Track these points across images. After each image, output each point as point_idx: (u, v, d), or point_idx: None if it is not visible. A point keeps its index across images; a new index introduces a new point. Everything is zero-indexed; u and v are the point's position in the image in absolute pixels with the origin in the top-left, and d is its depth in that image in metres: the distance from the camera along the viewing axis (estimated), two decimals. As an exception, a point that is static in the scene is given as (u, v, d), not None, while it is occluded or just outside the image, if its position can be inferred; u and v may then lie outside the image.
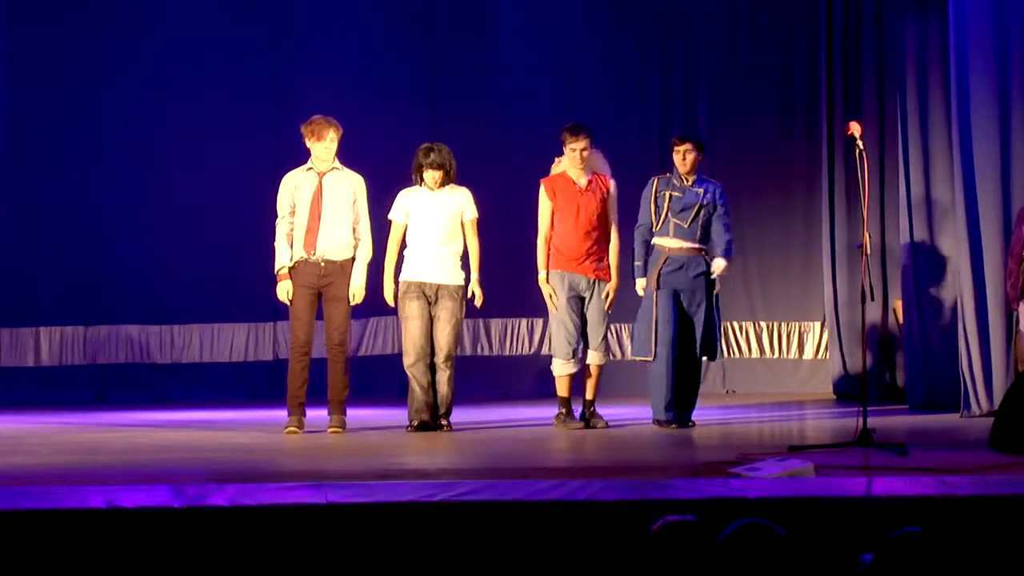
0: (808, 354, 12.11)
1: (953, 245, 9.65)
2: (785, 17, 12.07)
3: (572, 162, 8.91)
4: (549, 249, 8.93)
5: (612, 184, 8.99)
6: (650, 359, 8.77)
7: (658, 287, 8.75)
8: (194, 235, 11.82)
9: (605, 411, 9.11)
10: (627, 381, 11.19)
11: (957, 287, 9.44)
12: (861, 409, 7.38)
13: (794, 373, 12.14)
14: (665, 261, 8.79)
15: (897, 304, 10.91)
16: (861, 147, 7.76)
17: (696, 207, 8.80)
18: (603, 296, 8.89)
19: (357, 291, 8.69)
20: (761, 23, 12.12)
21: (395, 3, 12.18)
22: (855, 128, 7.83)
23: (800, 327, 12.11)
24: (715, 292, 8.86)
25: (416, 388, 8.66)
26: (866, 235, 7.76)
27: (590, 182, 8.93)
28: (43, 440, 8.41)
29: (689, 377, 8.88)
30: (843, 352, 11.49)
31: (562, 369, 8.91)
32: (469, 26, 12.16)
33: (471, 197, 8.86)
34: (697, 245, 8.81)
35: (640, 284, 8.90)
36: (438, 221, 8.76)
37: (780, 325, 12.14)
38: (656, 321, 8.73)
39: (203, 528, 4.98)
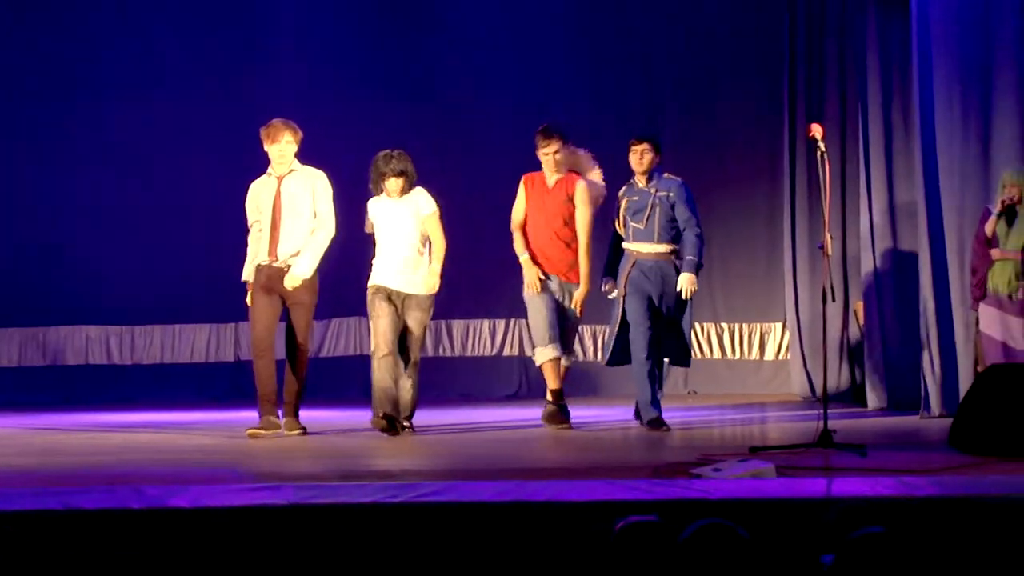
0: (769, 355, 12.14)
1: (914, 247, 9.69)
2: (751, 18, 12.08)
3: (545, 165, 8.89)
4: (525, 237, 8.87)
5: (580, 185, 8.89)
6: (608, 364, 8.84)
7: (626, 292, 8.75)
8: (154, 236, 11.79)
9: (578, 412, 9.16)
10: (602, 383, 11.23)
11: (918, 289, 9.48)
12: (822, 410, 7.41)
13: (756, 374, 12.17)
14: (633, 265, 8.77)
15: (858, 305, 10.95)
16: (823, 149, 7.75)
17: (648, 206, 8.76)
18: (573, 304, 8.88)
19: (291, 279, 8.47)
20: (727, 25, 12.13)
21: (371, 4, 12.16)
22: (817, 130, 7.84)
23: (762, 328, 12.14)
24: (687, 299, 8.85)
25: (377, 381, 8.53)
26: (828, 236, 7.76)
27: (557, 183, 8.90)
28: (3, 442, 8.36)
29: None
30: (804, 353, 11.53)
31: (544, 355, 8.83)
32: (444, 26, 12.14)
33: (426, 193, 8.68)
34: (664, 248, 8.74)
35: (606, 287, 8.91)
36: (405, 229, 8.63)
37: (742, 326, 12.17)
38: (624, 326, 8.74)
39: (165, 530, 4.96)
